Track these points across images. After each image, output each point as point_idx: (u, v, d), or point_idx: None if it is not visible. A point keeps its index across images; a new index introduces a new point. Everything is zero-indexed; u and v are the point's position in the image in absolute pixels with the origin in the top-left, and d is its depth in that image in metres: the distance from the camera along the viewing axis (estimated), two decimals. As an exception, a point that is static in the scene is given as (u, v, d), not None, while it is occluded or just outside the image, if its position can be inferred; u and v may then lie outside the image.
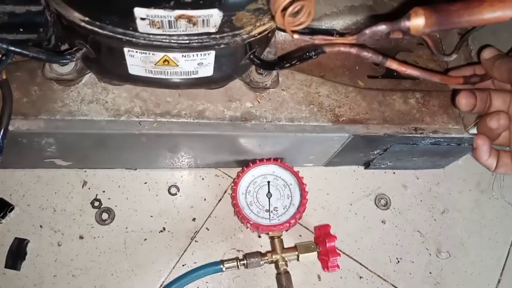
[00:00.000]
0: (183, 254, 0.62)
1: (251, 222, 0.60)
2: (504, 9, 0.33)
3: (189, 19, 0.36)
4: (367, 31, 0.37)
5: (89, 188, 0.64)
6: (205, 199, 0.66)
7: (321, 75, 0.59)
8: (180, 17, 0.36)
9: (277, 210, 0.61)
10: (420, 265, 0.66)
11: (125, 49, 0.41)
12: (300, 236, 0.66)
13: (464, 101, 0.48)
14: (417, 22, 0.35)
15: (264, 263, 0.59)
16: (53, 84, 0.51)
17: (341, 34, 0.41)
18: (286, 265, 0.59)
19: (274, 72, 0.53)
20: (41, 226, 0.61)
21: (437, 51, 0.61)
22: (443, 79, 0.48)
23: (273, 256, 0.59)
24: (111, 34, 0.39)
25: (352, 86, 0.58)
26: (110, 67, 0.46)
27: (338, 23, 0.62)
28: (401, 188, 0.71)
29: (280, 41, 0.59)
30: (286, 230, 0.63)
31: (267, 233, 0.62)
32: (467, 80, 0.50)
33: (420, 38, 0.64)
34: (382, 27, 0.36)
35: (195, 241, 0.63)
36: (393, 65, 0.43)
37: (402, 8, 0.64)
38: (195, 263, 0.62)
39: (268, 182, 0.63)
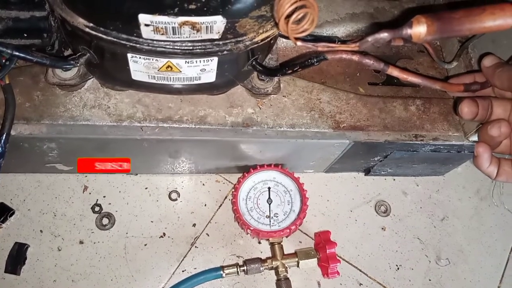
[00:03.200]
0: (183, 259, 0.62)
1: (251, 228, 0.60)
2: (505, 17, 0.33)
3: (193, 26, 0.36)
4: (370, 38, 0.38)
5: (90, 193, 0.64)
6: (205, 205, 0.66)
7: (322, 82, 0.59)
8: (184, 23, 0.36)
9: (277, 216, 0.61)
10: (420, 272, 0.66)
11: (129, 55, 0.41)
12: (300, 242, 0.66)
13: (466, 109, 0.48)
14: (419, 29, 0.35)
15: (264, 269, 0.59)
16: (55, 89, 0.51)
17: (343, 41, 0.41)
18: (286, 271, 0.59)
19: (276, 79, 0.53)
20: (41, 231, 0.61)
21: (437, 59, 0.61)
22: (444, 86, 0.48)
23: (273, 263, 0.59)
24: (115, 40, 0.39)
25: (353, 93, 0.58)
26: (113, 72, 0.47)
27: (340, 31, 0.63)
28: (401, 195, 0.71)
29: (281, 48, 0.60)
30: (287, 236, 0.63)
31: (267, 239, 0.62)
32: (468, 87, 0.51)
33: (421, 46, 0.65)
34: (384, 35, 0.37)
35: (195, 246, 0.63)
36: (394, 72, 0.43)
37: (403, 16, 0.64)
38: (195, 268, 0.62)
39: (269, 188, 0.63)
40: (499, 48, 0.55)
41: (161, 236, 0.63)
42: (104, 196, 0.64)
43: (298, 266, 0.60)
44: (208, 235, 0.64)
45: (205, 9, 0.35)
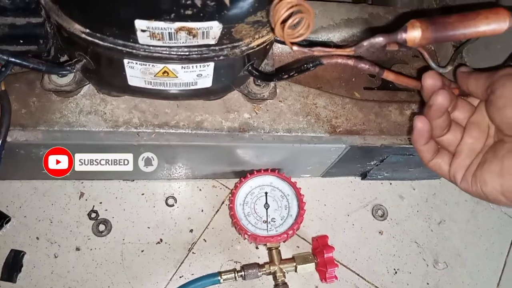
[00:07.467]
0: (180, 265, 0.62)
1: (248, 233, 0.59)
2: (499, 21, 0.33)
3: (189, 31, 0.37)
4: (365, 43, 0.38)
5: (86, 200, 0.64)
6: (202, 210, 0.66)
7: (318, 87, 0.60)
8: (180, 29, 0.36)
9: (274, 221, 0.61)
10: (418, 275, 0.66)
11: (125, 61, 0.41)
12: (298, 247, 0.66)
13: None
14: (414, 34, 0.35)
15: (262, 274, 0.59)
16: (51, 95, 0.51)
17: (338, 46, 0.41)
18: (284, 276, 0.59)
19: (272, 84, 0.53)
20: (37, 238, 0.61)
21: (432, 63, 0.61)
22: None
23: (271, 268, 0.59)
24: (111, 45, 0.39)
25: (348, 98, 0.58)
26: (109, 78, 0.47)
27: (335, 36, 0.63)
28: (397, 199, 0.72)
29: (277, 53, 0.60)
30: (284, 241, 0.63)
31: (265, 244, 0.62)
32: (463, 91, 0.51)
33: (416, 50, 0.65)
34: (379, 39, 0.37)
35: (193, 252, 0.63)
36: (390, 76, 0.43)
37: (398, 21, 0.65)
38: (192, 274, 0.62)
39: (266, 193, 0.63)
40: (492, 52, 0.56)
41: (158, 242, 0.63)
42: (101, 203, 0.64)
43: (296, 271, 0.60)
44: (205, 241, 0.64)
45: (201, 14, 0.35)
